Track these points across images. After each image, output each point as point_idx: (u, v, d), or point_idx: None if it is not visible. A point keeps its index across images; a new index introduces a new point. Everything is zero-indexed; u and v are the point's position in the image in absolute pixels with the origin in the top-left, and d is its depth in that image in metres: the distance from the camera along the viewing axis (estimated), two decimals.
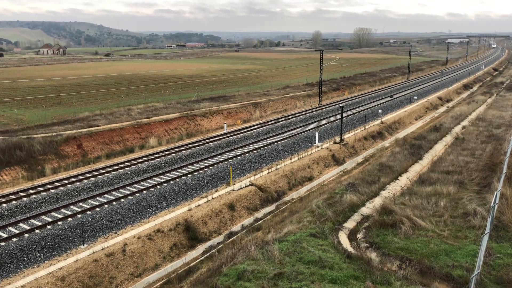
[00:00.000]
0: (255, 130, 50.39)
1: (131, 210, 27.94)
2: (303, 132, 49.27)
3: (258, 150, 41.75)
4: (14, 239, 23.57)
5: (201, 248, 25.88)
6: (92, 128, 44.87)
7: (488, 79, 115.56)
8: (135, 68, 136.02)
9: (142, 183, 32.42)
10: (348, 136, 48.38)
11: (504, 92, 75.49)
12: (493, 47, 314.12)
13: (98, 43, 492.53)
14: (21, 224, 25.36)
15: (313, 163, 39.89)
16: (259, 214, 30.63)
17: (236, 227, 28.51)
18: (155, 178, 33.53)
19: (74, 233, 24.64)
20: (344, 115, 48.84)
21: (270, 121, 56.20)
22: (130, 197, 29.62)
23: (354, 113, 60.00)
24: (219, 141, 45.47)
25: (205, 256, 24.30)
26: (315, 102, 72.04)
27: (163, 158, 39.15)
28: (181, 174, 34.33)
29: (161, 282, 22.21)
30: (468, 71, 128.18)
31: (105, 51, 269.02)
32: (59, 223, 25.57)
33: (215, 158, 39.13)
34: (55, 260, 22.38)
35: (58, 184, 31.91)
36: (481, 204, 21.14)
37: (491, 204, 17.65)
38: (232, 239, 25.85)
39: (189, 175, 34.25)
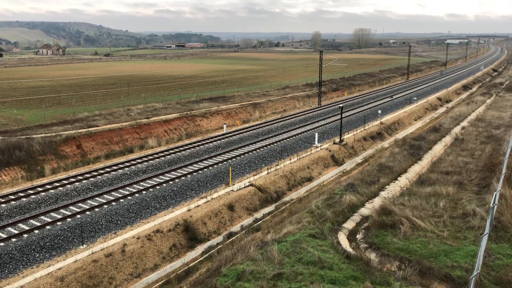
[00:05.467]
0: (254, 131, 50.39)
1: (130, 210, 27.93)
2: (303, 132, 49.28)
3: (258, 150, 41.75)
4: (13, 240, 23.55)
5: (200, 248, 25.86)
6: (92, 129, 44.85)
7: (488, 80, 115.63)
8: (135, 68, 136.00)
9: (141, 183, 32.41)
10: (348, 136, 48.40)
11: (504, 93, 75.49)
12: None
13: (98, 43, 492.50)
14: (20, 225, 25.34)
15: (313, 164, 39.89)
16: (258, 215, 30.62)
17: (236, 228, 28.50)
18: (154, 179, 33.52)
19: (73, 234, 24.62)
20: (343, 115, 48.87)
21: (270, 121, 56.21)
22: (129, 198, 29.61)
23: (353, 114, 60.03)
24: (219, 141, 45.47)
25: (205, 256, 24.30)
26: (315, 103, 72.06)
27: (163, 158, 39.14)
28: (180, 174, 34.33)
29: (160, 283, 22.19)
30: (467, 72, 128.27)
31: (104, 51, 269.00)
32: (58, 223, 25.56)
33: (214, 158, 39.13)
34: (54, 260, 22.36)
35: (57, 184, 31.89)
36: (481, 204, 21.14)
37: (491, 205, 17.64)
38: (231, 239, 25.85)
39: (189, 176, 34.24)
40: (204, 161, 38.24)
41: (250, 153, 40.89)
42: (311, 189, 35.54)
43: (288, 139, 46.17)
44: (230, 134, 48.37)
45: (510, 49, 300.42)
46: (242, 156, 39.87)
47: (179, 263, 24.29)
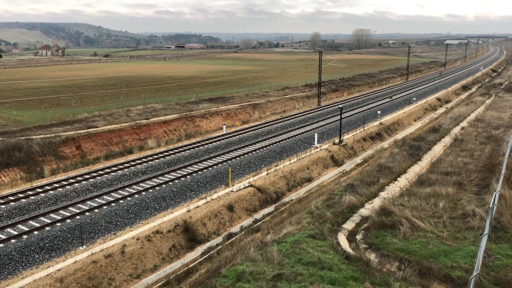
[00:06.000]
0: (254, 131, 50.39)
1: (130, 211, 27.91)
2: (302, 133, 49.28)
3: (257, 151, 41.74)
4: (13, 241, 23.52)
5: (200, 249, 25.85)
6: (91, 129, 44.83)
7: (487, 80, 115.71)
8: (134, 69, 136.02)
9: (141, 184, 32.39)
10: (347, 137, 48.40)
11: (503, 93, 75.53)
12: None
13: (97, 44, 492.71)
14: (19, 226, 25.31)
15: (312, 164, 39.89)
16: (258, 215, 30.61)
17: (235, 228, 28.49)
18: (154, 179, 33.50)
19: (72, 235, 24.60)
20: (343, 116, 48.86)
21: (269, 122, 56.21)
22: (129, 198, 29.59)
23: (353, 114, 60.04)
24: (218, 142, 45.47)
25: (204, 257, 24.28)
26: (314, 103, 72.08)
27: (162, 159, 39.13)
28: (180, 175, 34.31)
29: (160, 284, 22.18)
30: (467, 72, 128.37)
31: (104, 52, 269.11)
32: (58, 224, 25.54)
33: (214, 159, 39.12)
34: (54, 261, 22.34)
35: (56, 185, 31.88)
36: (480, 205, 21.14)
37: (490, 205, 17.66)
38: (231, 240, 25.84)
39: (188, 176, 34.23)
40: (204, 162, 38.23)
41: (250, 153, 40.88)
42: (311, 189, 35.53)
43: (287, 140, 46.17)
44: (230, 135, 48.37)
45: (510, 50, 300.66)
46: (241, 156, 39.86)
47: (179, 264, 24.28)
